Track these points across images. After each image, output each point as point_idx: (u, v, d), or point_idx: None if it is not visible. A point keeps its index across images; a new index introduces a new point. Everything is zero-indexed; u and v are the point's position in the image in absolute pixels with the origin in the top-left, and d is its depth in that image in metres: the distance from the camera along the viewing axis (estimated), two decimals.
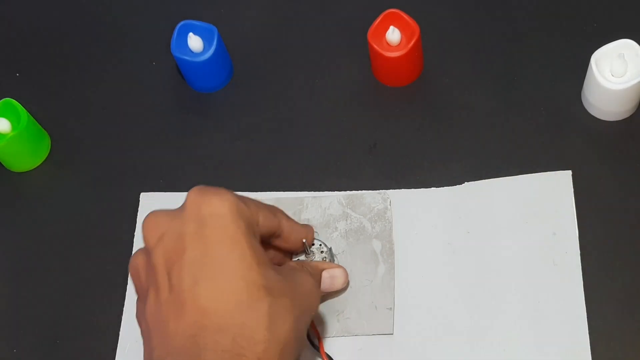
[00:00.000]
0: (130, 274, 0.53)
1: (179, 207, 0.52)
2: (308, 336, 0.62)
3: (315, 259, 0.62)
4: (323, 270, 0.61)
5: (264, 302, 0.49)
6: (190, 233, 0.50)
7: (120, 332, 0.65)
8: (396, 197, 0.67)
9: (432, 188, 0.68)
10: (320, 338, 0.62)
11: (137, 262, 0.52)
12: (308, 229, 0.61)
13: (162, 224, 0.51)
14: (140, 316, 0.52)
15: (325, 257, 0.63)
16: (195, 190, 0.52)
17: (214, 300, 0.48)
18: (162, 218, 0.52)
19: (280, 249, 0.60)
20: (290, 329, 0.50)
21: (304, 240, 0.60)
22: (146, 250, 0.52)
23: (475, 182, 0.67)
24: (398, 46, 0.69)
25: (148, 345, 0.50)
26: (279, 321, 0.49)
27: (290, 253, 0.62)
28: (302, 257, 0.62)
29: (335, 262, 0.65)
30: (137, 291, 0.53)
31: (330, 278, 0.61)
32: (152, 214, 0.53)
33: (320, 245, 0.63)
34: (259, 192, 0.69)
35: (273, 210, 0.56)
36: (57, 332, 0.66)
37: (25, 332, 0.67)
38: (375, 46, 0.69)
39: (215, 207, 0.50)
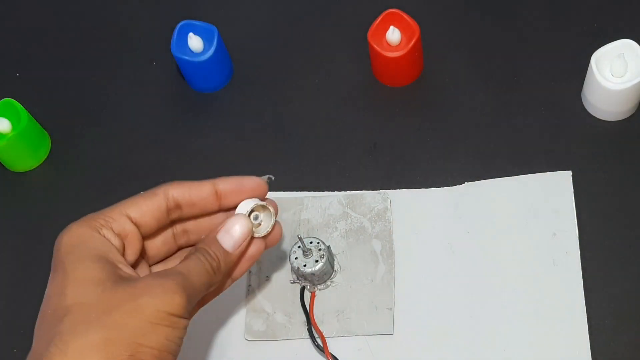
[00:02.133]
0: None
1: None
2: (312, 336, 0.62)
3: (313, 258, 0.62)
4: (215, 236, 0.53)
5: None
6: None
7: None
8: (396, 197, 0.67)
9: (432, 188, 0.68)
10: (324, 338, 0.62)
11: None
12: (217, 181, 0.55)
13: None
14: None
15: (323, 256, 0.62)
16: None
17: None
18: None
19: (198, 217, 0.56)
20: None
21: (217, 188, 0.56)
22: None
23: (475, 182, 0.67)
24: (398, 46, 0.69)
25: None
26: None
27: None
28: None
29: (335, 261, 0.65)
30: None
31: (227, 235, 0.52)
32: None
33: (319, 243, 0.63)
34: None
35: (153, 192, 0.55)
36: None
37: (25, 332, 0.67)
38: (375, 46, 0.69)
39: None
